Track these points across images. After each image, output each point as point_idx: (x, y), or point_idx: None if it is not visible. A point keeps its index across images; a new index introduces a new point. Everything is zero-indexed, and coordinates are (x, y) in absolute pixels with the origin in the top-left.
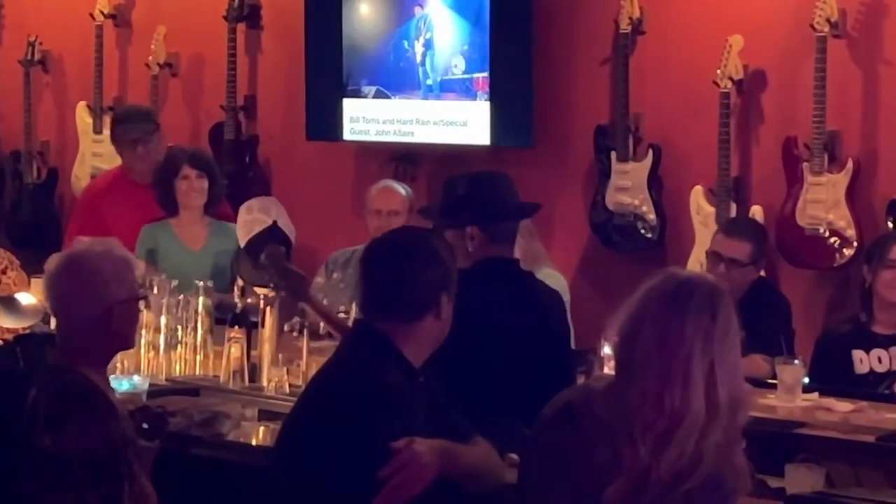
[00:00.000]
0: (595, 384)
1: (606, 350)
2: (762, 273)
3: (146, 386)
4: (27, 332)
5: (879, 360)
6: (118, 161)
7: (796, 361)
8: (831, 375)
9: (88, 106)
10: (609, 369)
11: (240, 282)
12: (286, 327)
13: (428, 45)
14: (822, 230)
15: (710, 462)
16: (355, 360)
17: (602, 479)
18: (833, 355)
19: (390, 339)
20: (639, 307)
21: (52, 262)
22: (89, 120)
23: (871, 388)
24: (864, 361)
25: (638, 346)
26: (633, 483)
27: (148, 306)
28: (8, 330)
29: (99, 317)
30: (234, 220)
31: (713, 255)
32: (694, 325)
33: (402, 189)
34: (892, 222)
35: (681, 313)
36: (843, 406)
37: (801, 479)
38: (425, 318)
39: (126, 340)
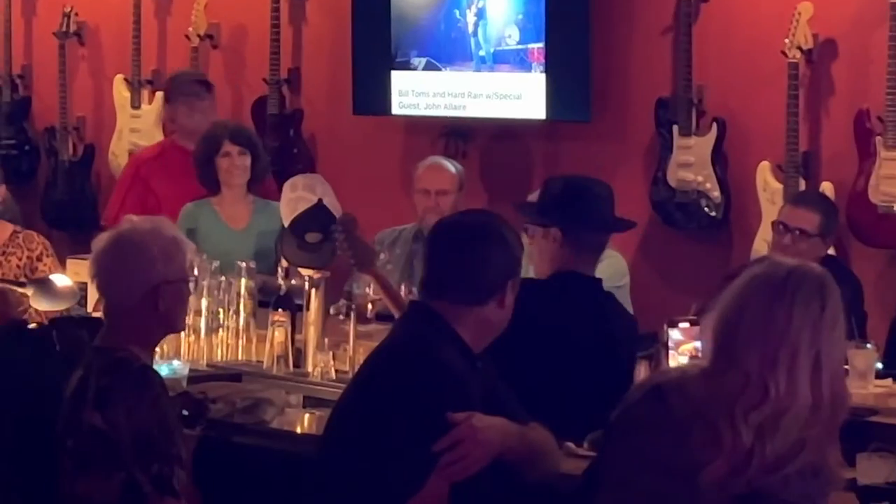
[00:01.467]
0: (688, 369)
1: (675, 335)
2: (832, 252)
3: (186, 371)
4: (63, 314)
5: None
6: (157, 137)
7: (868, 346)
8: None
9: (126, 79)
10: (679, 355)
11: (284, 263)
12: (332, 310)
13: (480, 14)
14: None
15: (811, 451)
16: (411, 339)
17: (699, 457)
18: None
19: (448, 321)
20: (743, 293)
21: (100, 240)
22: (127, 94)
23: None
24: None
25: (741, 331)
26: (732, 464)
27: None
28: (44, 313)
29: (145, 297)
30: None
31: (779, 226)
32: (802, 314)
33: (451, 166)
34: None
35: (789, 302)
36: None
37: (873, 469)
38: (488, 304)
39: (173, 323)
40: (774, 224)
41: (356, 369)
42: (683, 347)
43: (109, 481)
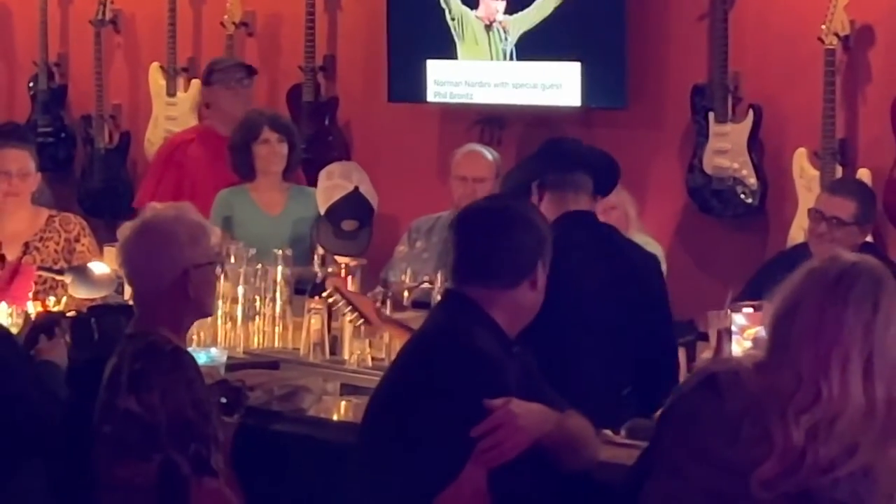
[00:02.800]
0: (743, 360)
1: (739, 320)
2: (869, 239)
3: (224, 359)
4: (102, 302)
5: None
6: (192, 124)
7: None
8: None
9: (162, 67)
10: (744, 340)
11: (320, 250)
12: (369, 297)
13: (516, 2)
14: None
15: (864, 453)
16: (447, 326)
17: (750, 454)
18: None
19: (483, 307)
20: (798, 289)
21: (125, 229)
22: (163, 82)
23: None
24: None
25: (794, 328)
26: (784, 466)
27: (224, 275)
28: (82, 301)
29: (174, 282)
30: (307, 186)
31: (815, 214)
32: (855, 314)
33: (488, 154)
34: None
35: (842, 301)
36: None
37: None
38: (520, 286)
39: (203, 307)
40: (810, 212)
41: (392, 357)
42: (748, 332)
43: (148, 464)
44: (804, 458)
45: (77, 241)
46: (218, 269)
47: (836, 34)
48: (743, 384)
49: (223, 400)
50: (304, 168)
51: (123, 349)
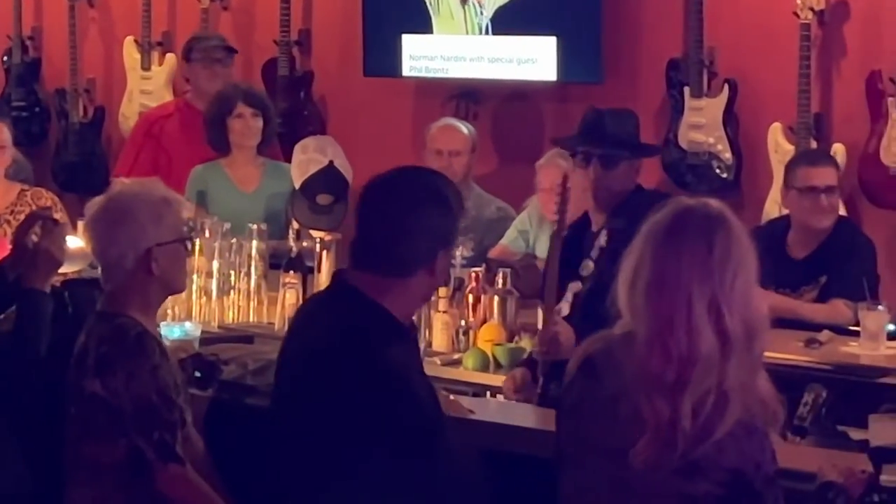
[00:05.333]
0: (614, 333)
1: None
2: (844, 213)
3: (198, 333)
4: (76, 276)
5: None
6: (168, 99)
7: (880, 307)
8: None
9: (136, 41)
10: None
11: (295, 225)
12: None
13: None
14: None
15: (737, 404)
16: (346, 335)
17: (629, 434)
18: None
19: (373, 297)
20: (638, 248)
21: (91, 206)
22: (137, 56)
23: None
24: None
25: (638, 290)
26: (660, 438)
27: (199, 249)
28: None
29: (138, 260)
30: (284, 161)
31: (809, 191)
32: (689, 260)
33: (464, 128)
34: None
35: (675, 250)
36: None
37: (884, 429)
38: (416, 275)
39: (171, 285)
40: (803, 191)
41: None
42: None
43: (114, 445)
44: (675, 425)
45: None
46: (189, 245)
47: (811, 8)
48: (616, 360)
49: (197, 374)
50: (280, 142)
51: (91, 328)
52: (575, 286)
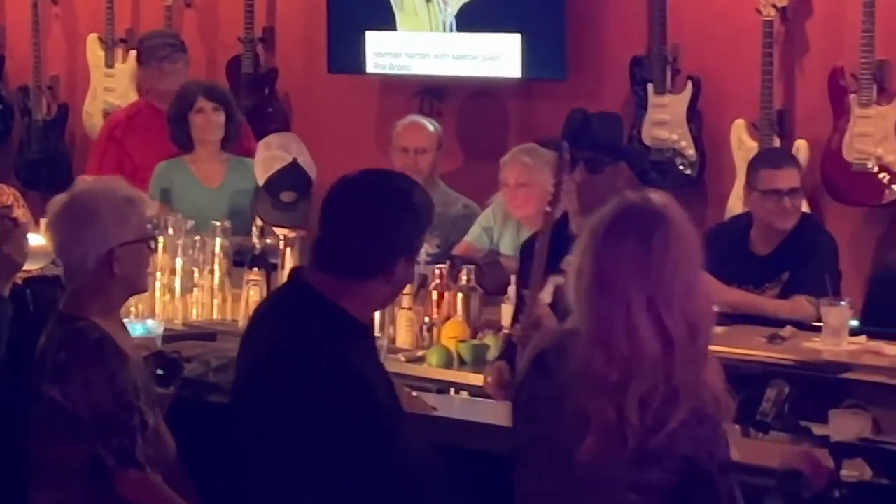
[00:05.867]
0: (565, 328)
1: None
2: (807, 209)
3: (161, 330)
4: (38, 274)
5: None
6: (132, 96)
7: (843, 303)
8: (883, 312)
9: (100, 38)
10: None
11: (258, 222)
12: None
13: None
14: (870, 165)
15: (688, 397)
16: (304, 334)
17: (575, 431)
18: (887, 289)
19: (331, 297)
20: (582, 246)
21: (53, 204)
22: (101, 53)
23: None
24: None
25: (580, 287)
26: (606, 436)
27: (163, 247)
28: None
29: (100, 260)
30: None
31: (772, 193)
32: (627, 260)
33: (430, 125)
34: None
35: (614, 249)
36: (892, 349)
37: (846, 425)
38: (373, 280)
39: (134, 284)
40: (766, 192)
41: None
42: None
43: (75, 450)
44: (623, 424)
45: (9, 209)
46: (152, 244)
47: (774, 5)
48: (564, 357)
49: (159, 372)
50: None
51: (52, 331)
52: (556, 279)
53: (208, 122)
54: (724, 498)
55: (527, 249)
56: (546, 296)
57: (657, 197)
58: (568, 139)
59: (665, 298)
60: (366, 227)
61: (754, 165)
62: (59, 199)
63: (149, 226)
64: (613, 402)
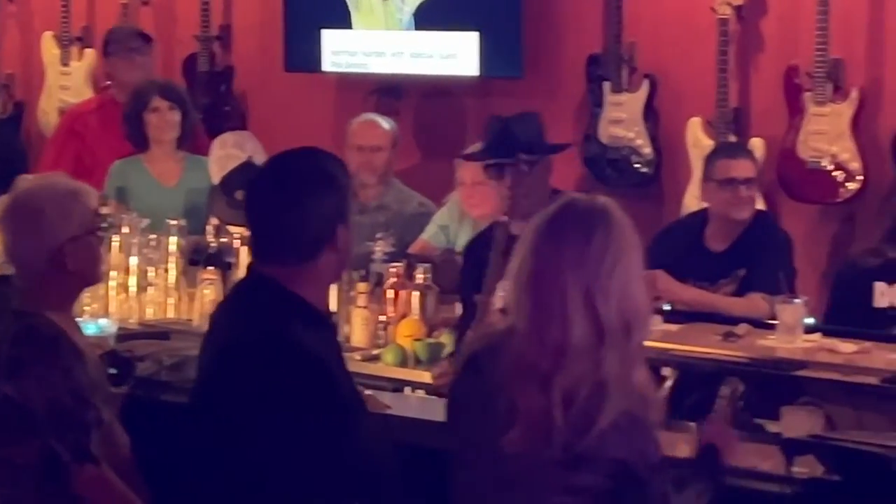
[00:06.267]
0: (497, 328)
1: None
2: (763, 206)
3: (114, 329)
4: None
5: None
6: (87, 94)
7: (797, 300)
8: (849, 306)
9: (55, 36)
10: None
11: (214, 220)
12: None
13: None
14: (825, 163)
15: (618, 396)
16: (265, 329)
17: (507, 427)
18: (854, 285)
19: (287, 286)
20: (524, 241)
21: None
22: (56, 51)
23: (888, 323)
24: (886, 295)
25: (520, 283)
26: (532, 427)
27: (118, 245)
28: None
29: (51, 257)
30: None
31: (727, 183)
32: (567, 251)
33: (385, 123)
34: None
35: (555, 242)
36: (846, 347)
37: (798, 421)
38: (321, 256)
39: (88, 277)
40: (722, 183)
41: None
42: None
43: (28, 447)
44: (551, 418)
45: None
46: (101, 236)
47: (729, 4)
48: (496, 356)
49: (112, 371)
50: None
51: (7, 328)
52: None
53: (164, 121)
54: (656, 498)
55: (469, 251)
56: (499, 301)
57: (601, 198)
58: (492, 148)
59: (602, 292)
60: (296, 211)
61: (710, 157)
62: (2, 200)
63: (96, 217)
64: (542, 392)
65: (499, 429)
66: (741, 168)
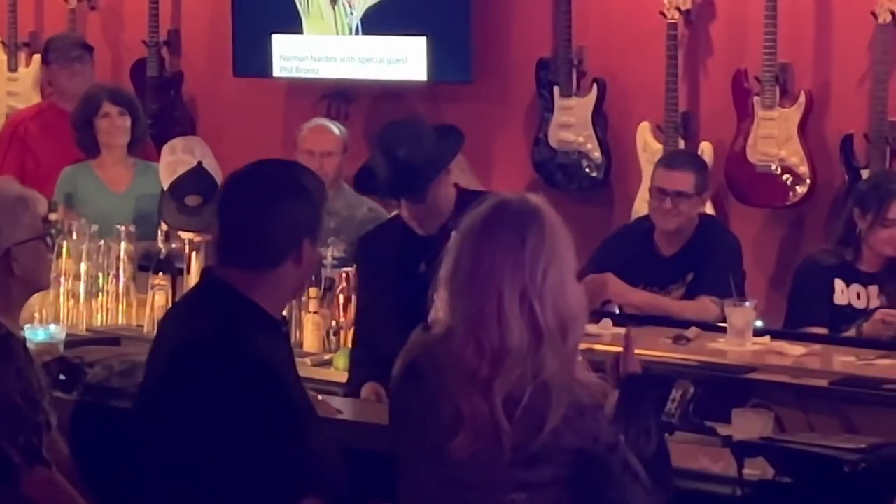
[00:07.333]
0: (434, 334)
1: None
2: (711, 211)
3: (63, 336)
4: None
5: (858, 297)
6: (35, 100)
7: (747, 304)
8: (810, 303)
9: (2, 42)
10: None
11: (164, 226)
12: None
13: None
14: (773, 167)
15: (562, 393)
16: (216, 331)
17: (453, 433)
18: (814, 281)
19: (244, 291)
20: (456, 242)
21: None
22: (3, 57)
23: (846, 321)
24: (845, 293)
25: (455, 285)
26: (478, 432)
27: (67, 251)
28: None
29: None
30: (157, 160)
31: (658, 192)
32: (502, 253)
33: (335, 128)
34: (845, 159)
35: (489, 243)
36: (795, 350)
37: (749, 424)
38: (282, 266)
39: (34, 283)
40: (652, 190)
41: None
42: None
43: None
44: (497, 420)
45: None
46: (49, 241)
47: (678, 8)
48: (435, 361)
49: (61, 377)
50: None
51: None
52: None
53: (114, 126)
54: (619, 472)
55: (362, 249)
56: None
57: (533, 197)
58: (385, 184)
59: (538, 292)
60: (265, 217)
61: (656, 163)
62: None
63: (44, 223)
64: (484, 397)
65: (444, 434)
66: (674, 180)
